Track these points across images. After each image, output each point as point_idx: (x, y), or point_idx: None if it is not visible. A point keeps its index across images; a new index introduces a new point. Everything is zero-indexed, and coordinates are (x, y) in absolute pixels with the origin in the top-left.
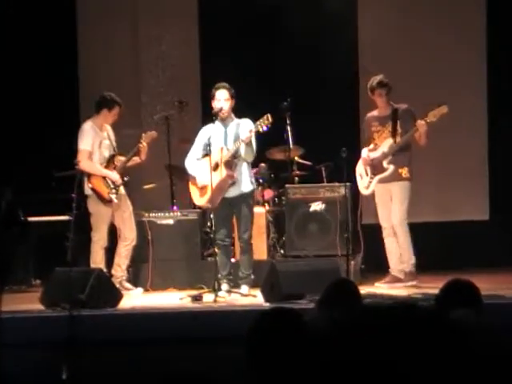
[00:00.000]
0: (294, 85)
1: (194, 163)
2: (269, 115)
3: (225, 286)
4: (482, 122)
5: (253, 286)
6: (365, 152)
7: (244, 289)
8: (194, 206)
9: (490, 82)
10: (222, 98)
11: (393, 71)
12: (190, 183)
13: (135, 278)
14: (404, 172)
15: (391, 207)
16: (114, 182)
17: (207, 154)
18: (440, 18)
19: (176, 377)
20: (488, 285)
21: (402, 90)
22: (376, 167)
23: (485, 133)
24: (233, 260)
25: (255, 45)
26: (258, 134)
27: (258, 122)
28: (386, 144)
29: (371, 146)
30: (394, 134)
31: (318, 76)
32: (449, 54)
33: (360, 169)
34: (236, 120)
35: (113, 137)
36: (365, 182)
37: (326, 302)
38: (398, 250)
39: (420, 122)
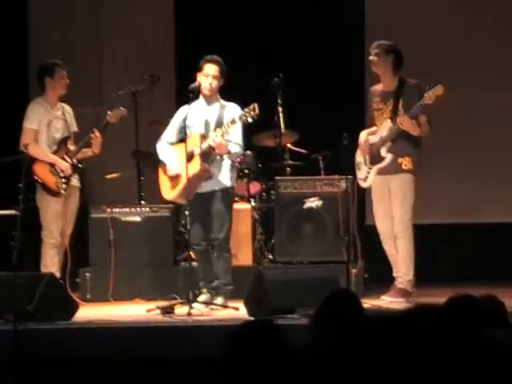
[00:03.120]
0: (287, 58)
1: (167, 148)
2: (255, 105)
3: (203, 297)
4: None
5: (232, 297)
6: (363, 135)
7: (219, 301)
8: (166, 201)
9: None
10: (210, 74)
11: (404, 43)
12: (159, 170)
13: (94, 287)
14: (405, 163)
15: (389, 208)
16: (63, 171)
17: (183, 139)
18: None
19: None
20: None
21: (412, 65)
22: (375, 155)
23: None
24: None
25: (241, 9)
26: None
27: (241, 112)
28: (385, 127)
29: (374, 128)
30: (394, 114)
31: (316, 47)
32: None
33: (359, 156)
34: (221, 102)
35: (71, 119)
36: (363, 172)
37: (321, 319)
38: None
39: (401, 118)
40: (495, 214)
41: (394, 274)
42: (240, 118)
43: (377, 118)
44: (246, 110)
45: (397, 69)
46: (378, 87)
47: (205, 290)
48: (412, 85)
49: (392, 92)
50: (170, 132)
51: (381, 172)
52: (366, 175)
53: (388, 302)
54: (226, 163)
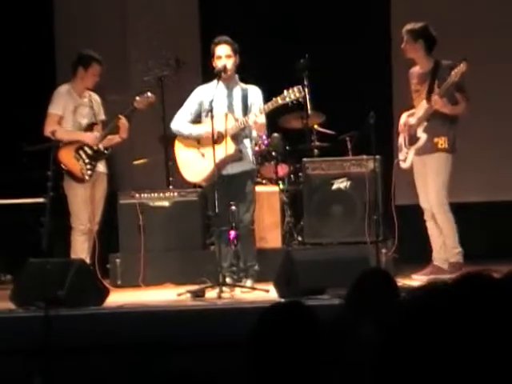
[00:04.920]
0: (313, 38)
1: (187, 124)
2: (300, 87)
3: (227, 280)
4: None
5: (262, 279)
6: (403, 117)
7: (248, 283)
8: (193, 185)
9: None
10: (223, 55)
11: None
12: (178, 152)
13: (124, 272)
14: (441, 142)
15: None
16: (89, 156)
17: (200, 119)
18: None
19: (177, 377)
20: None
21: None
22: (412, 136)
23: None
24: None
25: None
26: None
27: (285, 93)
28: (421, 107)
29: (413, 110)
30: (429, 94)
31: (342, 27)
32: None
33: (400, 138)
34: (241, 84)
35: (98, 107)
36: (403, 153)
37: (355, 299)
38: (441, 237)
39: (434, 98)
40: None
41: (435, 254)
42: (283, 98)
43: (415, 99)
44: (291, 91)
45: (430, 50)
46: (416, 69)
47: (227, 274)
48: (446, 65)
49: (428, 73)
50: (186, 111)
51: (418, 152)
52: (406, 156)
53: (426, 280)
54: (249, 145)
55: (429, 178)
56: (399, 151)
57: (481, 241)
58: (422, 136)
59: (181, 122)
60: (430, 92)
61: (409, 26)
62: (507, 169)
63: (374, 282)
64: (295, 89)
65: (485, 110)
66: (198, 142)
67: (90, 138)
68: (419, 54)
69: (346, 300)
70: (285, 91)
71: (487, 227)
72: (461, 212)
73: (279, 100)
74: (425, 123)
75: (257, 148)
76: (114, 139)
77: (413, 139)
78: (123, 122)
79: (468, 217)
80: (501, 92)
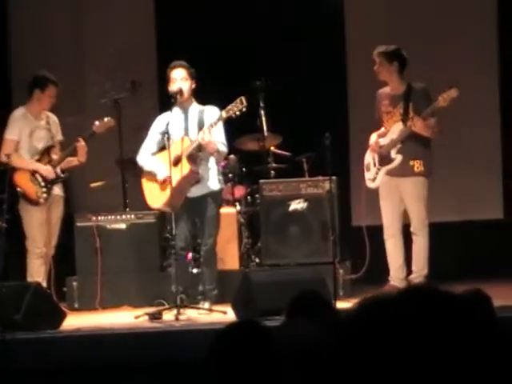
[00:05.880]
0: (268, 60)
1: (150, 158)
2: (242, 98)
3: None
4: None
5: (220, 301)
6: (373, 137)
7: (206, 305)
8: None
9: (502, 61)
10: (178, 78)
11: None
12: (143, 180)
13: (81, 295)
14: (417, 165)
15: (398, 206)
16: (45, 179)
17: (164, 147)
18: None
19: None
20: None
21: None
22: (384, 156)
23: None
24: (195, 271)
25: (221, 13)
26: (228, 121)
27: (229, 107)
28: (395, 129)
29: (382, 129)
30: (405, 117)
31: (297, 48)
32: (455, 29)
33: (368, 157)
34: (198, 106)
35: (56, 128)
36: (371, 173)
37: (292, 312)
38: (401, 256)
39: (414, 120)
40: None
41: (392, 274)
42: (228, 111)
43: (386, 121)
44: (233, 103)
45: (402, 72)
46: (386, 90)
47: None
48: (420, 88)
49: (400, 95)
50: (150, 143)
51: (391, 173)
52: (375, 176)
53: None
54: (213, 166)
55: (409, 205)
56: (366, 171)
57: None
58: (398, 157)
59: (143, 157)
60: (405, 114)
61: (382, 49)
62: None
63: (304, 304)
64: (238, 100)
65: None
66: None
67: (45, 171)
68: (393, 76)
69: (285, 314)
70: (229, 105)
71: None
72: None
73: (223, 113)
74: (399, 145)
75: None
76: (73, 162)
77: (384, 160)
78: (82, 144)
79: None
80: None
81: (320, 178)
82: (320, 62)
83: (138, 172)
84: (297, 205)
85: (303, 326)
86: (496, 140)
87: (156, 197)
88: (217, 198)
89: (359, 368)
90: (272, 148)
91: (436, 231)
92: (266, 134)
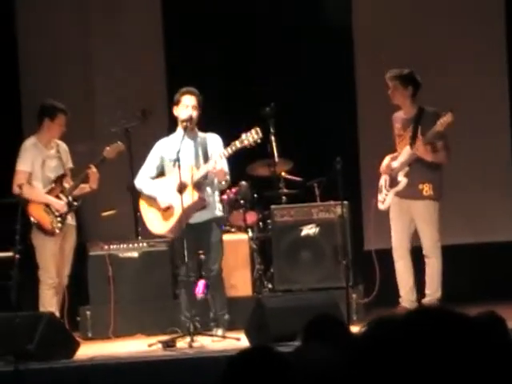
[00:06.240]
0: (278, 86)
1: (150, 181)
2: (258, 129)
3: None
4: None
5: (233, 328)
6: (386, 160)
7: (219, 332)
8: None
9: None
10: (190, 104)
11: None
12: (142, 204)
13: (95, 324)
14: (426, 189)
15: (408, 228)
16: (57, 210)
17: (163, 172)
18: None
19: None
20: None
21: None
22: (393, 179)
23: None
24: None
25: (231, 41)
26: (240, 151)
27: (243, 137)
28: (405, 152)
29: (396, 153)
30: (413, 140)
31: (306, 74)
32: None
33: (381, 180)
34: (200, 134)
35: (66, 156)
36: (382, 195)
37: (308, 336)
38: (411, 278)
39: (417, 145)
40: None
41: (403, 296)
42: (242, 142)
43: (398, 143)
44: (249, 133)
45: (415, 96)
46: (400, 114)
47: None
48: (431, 112)
49: (411, 119)
50: (150, 167)
51: (400, 195)
52: (385, 198)
53: None
54: (215, 193)
55: (421, 228)
56: (379, 192)
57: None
58: (403, 180)
59: (143, 181)
60: (413, 138)
61: (396, 72)
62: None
63: (320, 328)
64: (253, 131)
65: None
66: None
67: (58, 204)
68: (406, 100)
69: (300, 340)
70: (243, 134)
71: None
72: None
73: (237, 144)
74: (406, 168)
75: (225, 196)
76: (85, 189)
77: (393, 182)
78: (94, 171)
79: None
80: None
81: (332, 202)
82: (330, 87)
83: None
84: (309, 230)
85: (317, 349)
86: (508, 159)
87: (159, 223)
88: (220, 224)
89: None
90: (283, 173)
91: (450, 253)
92: (276, 159)
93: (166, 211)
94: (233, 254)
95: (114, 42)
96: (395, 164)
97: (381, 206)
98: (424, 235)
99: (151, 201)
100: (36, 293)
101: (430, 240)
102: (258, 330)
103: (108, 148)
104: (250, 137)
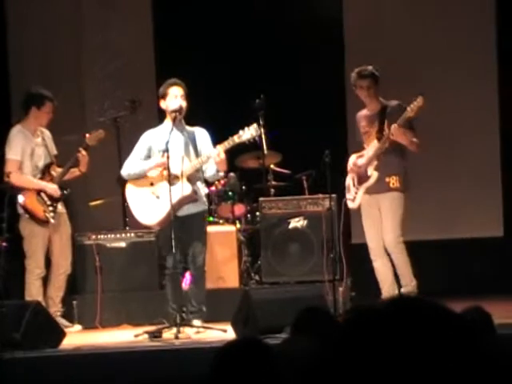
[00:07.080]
0: (268, 78)
1: (139, 162)
2: (256, 125)
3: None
4: (493, 119)
5: (220, 319)
6: (351, 159)
7: (197, 323)
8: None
9: (501, 70)
10: (178, 95)
11: (384, 65)
12: (130, 196)
13: (80, 313)
14: (392, 181)
15: (380, 223)
16: (50, 197)
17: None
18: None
19: None
20: (503, 313)
21: (393, 85)
22: (362, 175)
23: (497, 132)
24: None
25: (221, 33)
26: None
27: (241, 132)
28: (371, 146)
29: (363, 151)
30: (379, 134)
31: (296, 67)
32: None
33: (348, 179)
34: (188, 127)
35: (51, 143)
36: (351, 193)
37: (296, 329)
38: (390, 274)
39: (392, 128)
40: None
41: (385, 293)
42: (240, 137)
43: (365, 141)
44: (247, 130)
45: (378, 90)
46: (363, 112)
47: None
48: (394, 105)
49: (376, 114)
50: (136, 158)
51: (369, 191)
52: (354, 196)
53: None
54: (202, 186)
55: (384, 220)
56: (347, 192)
57: (438, 278)
58: (374, 174)
59: (130, 165)
60: (380, 131)
61: (369, 71)
62: (463, 207)
63: (309, 320)
64: (251, 127)
65: (439, 147)
66: (152, 184)
67: (52, 189)
68: (367, 93)
69: (290, 332)
70: (240, 130)
71: (444, 265)
72: (418, 250)
73: (236, 139)
74: (375, 162)
75: (213, 188)
76: (75, 172)
77: (362, 178)
78: (84, 154)
79: (425, 254)
80: (456, 129)
81: (320, 195)
82: (319, 80)
83: None
84: (297, 223)
85: (303, 341)
86: (497, 158)
87: (148, 213)
88: (205, 217)
89: (351, 379)
90: (272, 166)
91: (434, 249)
92: (265, 151)
93: (152, 202)
94: (220, 246)
95: (103, 33)
96: (362, 161)
97: (351, 205)
98: (386, 228)
99: (141, 188)
100: (23, 282)
101: (392, 233)
102: (244, 322)
103: (88, 135)
104: (249, 133)
